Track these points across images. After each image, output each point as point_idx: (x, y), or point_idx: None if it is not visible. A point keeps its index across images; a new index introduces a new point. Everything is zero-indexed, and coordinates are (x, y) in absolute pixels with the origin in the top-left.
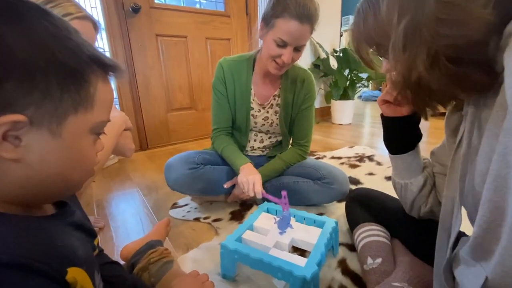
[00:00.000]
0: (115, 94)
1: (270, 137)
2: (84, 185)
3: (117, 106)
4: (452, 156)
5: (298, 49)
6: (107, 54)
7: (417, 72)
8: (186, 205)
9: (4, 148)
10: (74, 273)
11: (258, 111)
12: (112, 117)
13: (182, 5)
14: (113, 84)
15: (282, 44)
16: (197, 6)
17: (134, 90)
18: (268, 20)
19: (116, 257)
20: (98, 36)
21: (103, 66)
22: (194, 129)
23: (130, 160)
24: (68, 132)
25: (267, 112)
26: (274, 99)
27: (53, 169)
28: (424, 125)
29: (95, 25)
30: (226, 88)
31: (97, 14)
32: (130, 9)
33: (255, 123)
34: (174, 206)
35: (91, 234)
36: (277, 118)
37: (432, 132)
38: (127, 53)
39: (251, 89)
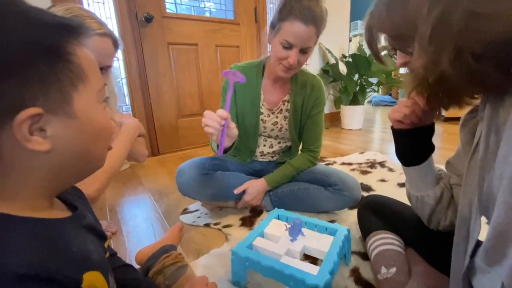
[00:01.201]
0: (127, 102)
1: (279, 142)
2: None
3: (130, 113)
4: (468, 162)
5: (304, 51)
6: (121, 62)
7: (440, 66)
8: (196, 210)
9: (35, 142)
10: (90, 278)
11: (267, 116)
12: (126, 124)
13: (193, 13)
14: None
15: (288, 46)
16: (207, 14)
17: (146, 97)
18: (275, 24)
19: (128, 261)
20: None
21: (74, 32)
22: (203, 134)
23: (142, 165)
24: (80, 108)
25: (277, 117)
26: (284, 104)
27: (80, 148)
28: (437, 130)
29: (115, 42)
30: (235, 92)
31: (112, 24)
32: (143, 19)
33: (265, 128)
34: (185, 211)
35: (102, 237)
36: (286, 123)
37: (446, 138)
38: (140, 61)
39: (261, 94)
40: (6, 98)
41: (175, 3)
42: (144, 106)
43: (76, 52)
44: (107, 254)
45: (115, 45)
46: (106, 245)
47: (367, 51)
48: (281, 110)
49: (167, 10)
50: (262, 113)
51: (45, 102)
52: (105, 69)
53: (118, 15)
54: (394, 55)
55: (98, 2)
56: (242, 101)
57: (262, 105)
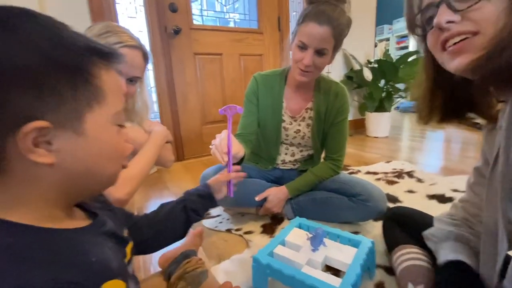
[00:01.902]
0: (156, 108)
1: (301, 151)
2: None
3: (159, 120)
4: (488, 175)
5: (320, 53)
6: (150, 72)
7: None
8: (218, 215)
9: (38, 154)
10: (110, 287)
11: (289, 124)
12: (155, 131)
13: (218, 24)
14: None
15: (303, 46)
16: (232, 24)
17: (173, 105)
18: (294, 31)
19: (154, 263)
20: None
21: (102, 55)
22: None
23: (168, 170)
24: (90, 128)
25: (299, 125)
26: (307, 112)
27: (86, 165)
28: (472, 139)
29: (145, 55)
30: (258, 100)
31: (143, 37)
32: (172, 31)
33: (287, 135)
34: (207, 216)
35: (123, 241)
36: (309, 131)
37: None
38: (168, 71)
39: (283, 102)
40: (15, 107)
41: (202, 15)
42: (171, 114)
43: (100, 75)
44: (128, 256)
45: (145, 58)
46: (129, 248)
47: (394, 57)
48: (304, 117)
49: (194, 22)
50: (284, 121)
51: (55, 116)
52: (134, 80)
53: (149, 28)
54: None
55: (131, 17)
56: (264, 109)
57: (284, 112)
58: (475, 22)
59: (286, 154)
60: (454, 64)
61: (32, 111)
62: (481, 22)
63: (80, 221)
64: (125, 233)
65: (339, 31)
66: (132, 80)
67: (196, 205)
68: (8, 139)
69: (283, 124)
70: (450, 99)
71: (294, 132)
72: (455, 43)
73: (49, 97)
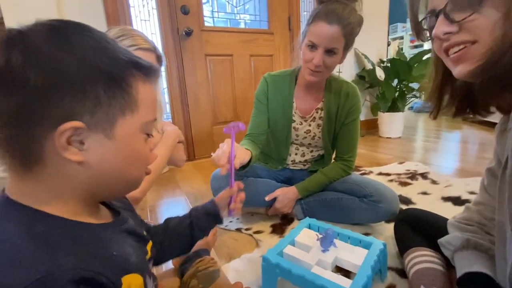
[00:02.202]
0: (168, 109)
1: (311, 151)
2: (143, 192)
3: (171, 120)
4: (499, 178)
5: (330, 52)
6: (163, 73)
7: None
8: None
9: (70, 152)
10: (128, 281)
11: (300, 124)
12: (168, 131)
13: (228, 25)
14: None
15: (313, 45)
16: (242, 25)
17: (184, 106)
18: (304, 31)
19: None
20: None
21: (141, 69)
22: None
23: (179, 169)
24: (120, 133)
25: (309, 125)
26: (317, 112)
27: (112, 167)
28: (485, 138)
29: (158, 58)
30: (268, 100)
31: (156, 39)
32: (184, 33)
33: (297, 135)
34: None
35: (142, 239)
36: (319, 132)
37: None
38: (180, 72)
39: (293, 102)
40: (60, 107)
41: (213, 17)
42: (182, 114)
43: (137, 86)
44: (149, 254)
45: (159, 61)
46: (149, 247)
47: (408, 55)
48: (314, 118)
49: (205, 24)
50: (295, 121)
51: (90, 119)
52: None
53: (162, 30)
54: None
55: (144, 20)
56: (274, 109)
57: (295, 113)
58: (472, 32)
59: (296, 154)
60: (456, 71)
61: (72, 112)
62: (478, 32)
63: (104, 218)
64: (144, 233)
65: (350, 30)
66: None
67: (202, 222)
68: (48, 135)
69: (293, 125)
70: (462, 94)
71: (304, 132)
72: (455, 52)
73: (88, 100)
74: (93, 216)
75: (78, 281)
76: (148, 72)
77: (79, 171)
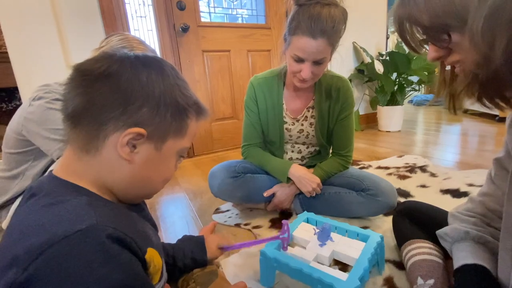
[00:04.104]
0: None
1: (307, 147)
2: None
3: None
4: (511, 173)
5: (318, 63)
6: None
7: (494, 63)
8: (227, 210)
9: (124, 150)
10: (151, 253)
11: (292, 124)
12: None
13: (225, 21)
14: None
15: (299, 60)
16: (240, 21)
17: None
18: (286, 37)
19: None
20: None
21: (199, 109)
22: (235, 137)
23: (179, 166)
24: (166, 149)
25: (302, 124)
26: (308, 111)
27: (147, 173)
28: (491, 132)
29: None
30: (257, 106)
31: (153, 36)
32: (180, 29)
33: (290, 136)
34: (217, 211)
35: (156, 228)
36: (312, 130)
37: (499, 140)
38: (177, 68)
39: (283, 103)
40: (138, 115)
41: (209, 12)
42: None
43: (191, 119)
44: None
45: None
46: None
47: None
48: (306, 117)
49: (202, 19)
50: (286, 122)
51: (151, 131)
52: None
53: (158, 27)
54: (438, 44)
55: (140, 17)
56: (264, 112)
57: (286, 114)
58: (458, 53)
59: (292, 152)
60: (455, 83)
61: (143, 121)
62: (461, 53)
63: (128, 204)
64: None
65: (336, 35)
66: None
67: (186, 267)
68: (116, 132)
69: (285, 126)
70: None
71: (297, 132)
72: (450, 68)
73: (157, 116)
74: (119, 201)
75: (114, 238)
76: (202, 113)
77: (124, 167)
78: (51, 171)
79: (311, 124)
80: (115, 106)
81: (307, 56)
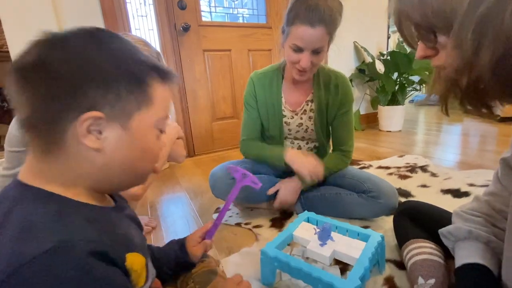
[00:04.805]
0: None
1: (307, 143)
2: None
3: (170, 117)
4: None
5: (317, 52)
6: None
7: (477, 71)
8: (228, 210)
9: (89, 139)
10: (131, 259)
11: (291, 118)
12: (167, 127)
13: (226, 20)
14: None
15: (298, 49)
16: (241, 20)
17: (183, 102)
18: (284, 28)
19: None
20: None
21: (160, 73)
22: (236, 137)
23: (179, 165)
24: (135, 126)
25: (301, 118)
26: (307, 104)
27: (125, 157)
28: (492, 132)
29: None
30: (257, 102)
31: (154, 35)
32: (181, 29)
33: (289, 130)
34: (217, 210)
35: (140, 227)
36: (311, 124)
37: (501, 140)
38: (178, 68)
39: (281, 97)
40: (85, 98)
41: (210, 12)
42: (181, 110)
43: (154, 86)
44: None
45: None
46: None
47: (408, 48)
48: (305, 111)
49: (203, 19)
50: (285, 116)
51: (110, 110)
52: None
53: (159, 26)
54: (427, 43)
55: (141, 16)
56: (264, 106)
57: (284, 107)
58: (442, 59)
59: (292, 148)
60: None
61: (95, 103)
62: (445, 56)
63: (108, 202)
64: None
65: (333, 24)
66: None
67: (172, 270)
68: (72, 122)
69: (285, 119)
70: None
71: (297, 126)
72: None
73: (110, 93)
74: (98, 201)
75: (87, 252)
76: (165, 76)
77: (95, 158)
78: (16, 176)
79: (310, 118)
80: (60, 95)
81: (306, 45)
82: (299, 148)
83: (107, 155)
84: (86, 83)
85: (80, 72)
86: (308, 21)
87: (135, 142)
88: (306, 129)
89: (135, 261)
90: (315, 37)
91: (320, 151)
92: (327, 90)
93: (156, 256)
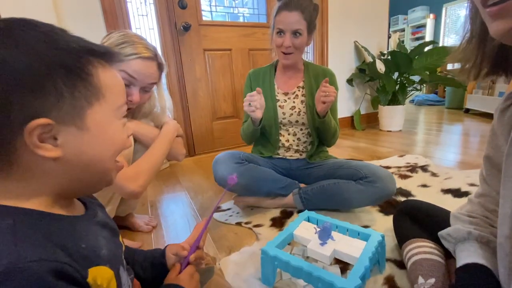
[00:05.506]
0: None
1: (301, 129)
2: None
3: (169, 114)
4: (504, 160)
5: (296, 33)
6: None
7: None
8: (229, 209)
9: (45, 149)
10: (94, 273)
11: (284, 101)
12: (166, 125)
13: (227, 20)
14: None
15: (280, 32)
16: (241, 19)
17: (184, 101)
18: (272, 25)
19: None
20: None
21: (97, 55)
22: (237, 136)
23: (180, 165)
24: (92, 122)
25: (293, 102)
26: (299, 90)
27: (90, 159)
28: (484, 130)
29: (159, 66)
30: (251, 90)
31: (154, 34)
32: (182, 28)
33: (284, 113)
34: (218, 209)
35: (114, 232)
36: (303, 106)
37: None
38: (178, 67)
39: (274, 84)
40: (20, 107)
41: (211, 11)
42: (182, 109)
43: (97, 73)
44: (123, 248)
45: (160, 68)
46: (120, 239)
47: (408, 48)
48: (297, 95)
49: (203, 18)
50: (279, 100)
51: (58, 114)
52: (148, 87)
53: (160, 25)
54: None
55: (142, 15)
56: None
57: (277, 92)
58: None
59: (288, 134)
60: (492, 27)
61: (35, 109)
62: None
63: (77, 211)
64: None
65: (308, 13)
66: (146, 89)
67: (144, 271)
68: (17, 137)
69: (278, 103)
70: (499, 50)
71: (290, 109)
72: (494, 3)
73: (50, 96)
74: (66, 209)
75: (40, 274)
76: (106, 57)
77: (57, 166)
78: None
79: (302, 101)
80: None
81: (285, 26)
82: (295, 134)
83: (70, 160)
84: (15, 91)
85: (3, 80)
86: (286, 6)
87: (98, 139)
88: (299, 112)
89: (98, 275)
90: (293, 19)
91: (314, 143)
92: (316, 80)
93: (135, 258)
